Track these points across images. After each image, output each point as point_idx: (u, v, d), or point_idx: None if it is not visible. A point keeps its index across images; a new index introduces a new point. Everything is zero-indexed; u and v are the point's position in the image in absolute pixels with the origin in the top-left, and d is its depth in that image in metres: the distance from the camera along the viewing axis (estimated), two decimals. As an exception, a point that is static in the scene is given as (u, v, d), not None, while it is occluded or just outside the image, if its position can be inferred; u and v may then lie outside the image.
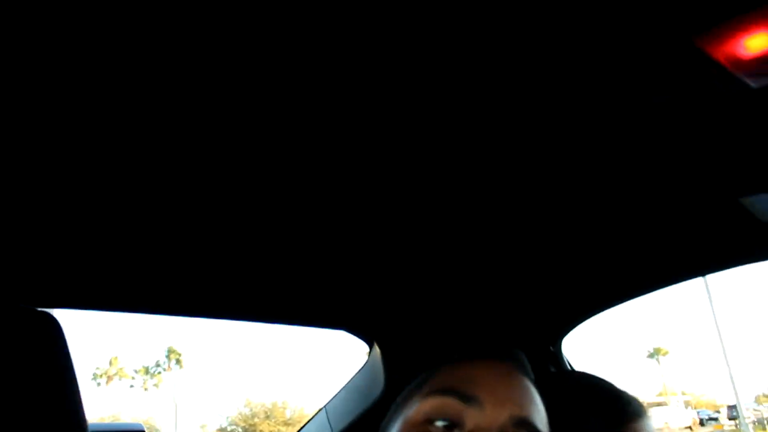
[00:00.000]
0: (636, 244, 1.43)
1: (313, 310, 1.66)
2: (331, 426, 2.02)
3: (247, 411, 43.64)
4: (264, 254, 1.32)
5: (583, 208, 1.27)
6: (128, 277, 1.36)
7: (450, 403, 0.73)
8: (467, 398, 0.72)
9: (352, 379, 2.00)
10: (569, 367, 2.00)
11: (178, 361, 48.55)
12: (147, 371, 49.01)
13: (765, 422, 26.80)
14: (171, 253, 1.29)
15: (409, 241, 1.32)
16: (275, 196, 1.15)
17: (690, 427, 36.72)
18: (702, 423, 36.92)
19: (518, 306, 1.75)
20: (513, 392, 0.75)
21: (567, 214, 1.28)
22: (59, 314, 0.99)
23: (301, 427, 2.19)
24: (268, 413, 43.23)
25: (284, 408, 44.37)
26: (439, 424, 0.72)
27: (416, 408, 0.76)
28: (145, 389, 49.77)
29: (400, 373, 1.82)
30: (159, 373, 49.14)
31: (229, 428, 43.43)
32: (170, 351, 48.76)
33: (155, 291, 1.44)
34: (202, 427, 58.42)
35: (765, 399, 67.57)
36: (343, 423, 1.97)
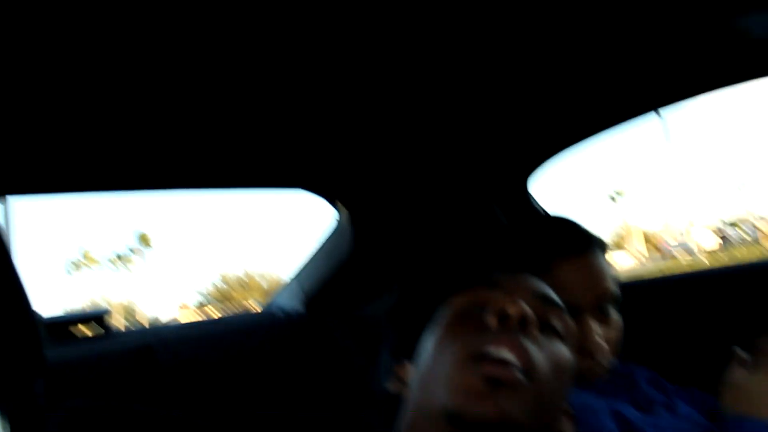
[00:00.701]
0: (602, 77, 1.38)
1: (269, 171, 1.60)
2: (302, 289, 2.03)
3: (223, 285, 44.78)
4: (217, 115, 1.23)
5: (548, 44, 1.20)
6: (83, 157, 1.28)
7: (477, 292, 0.76)
8: (492, 284, 0.77)
9: (320, 243, 1.98)
10: (539, 206, 2.00)
11: (148, 244, 48.86)
12: (120, 257, 49.42)
13: (713, 253, 28.70)
14: (124, 125, 1.20)
15: (368, 87, 1.23)
16: (226, 54, 1.05)
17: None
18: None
19: (487, 149, 1.71)
20: (532, 279, 0.81)
21: (533, 50, 1.21)
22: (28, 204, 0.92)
23: (276, 295, 2.20)
24: (245, 285, 44.37)
25: (260, 279, 45.59)
26: (467, 310, 0.75)
27: (448, 311, 0.77)
28: (120, 273, 50.50)
29: (367, 231, 1.80)
30: (131, 258, 49.57)
31: (206, 302, 44.67)
32: (141, 236, 48.99)
33: (113, 168, 1.37)
34: (181, 306, 60.13)
35: (717, 232, 71.51)
36: (315, 285, 1.98)
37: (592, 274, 1.02)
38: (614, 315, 1.04)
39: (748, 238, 31.39)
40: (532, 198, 2.01)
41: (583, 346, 0.95)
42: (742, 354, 1.01)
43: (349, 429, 1.64)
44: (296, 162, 1.55)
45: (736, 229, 43.73)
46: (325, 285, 1.95)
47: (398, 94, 1.25)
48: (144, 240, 48.87)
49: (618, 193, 63.43)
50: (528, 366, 0.64)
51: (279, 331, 1.83)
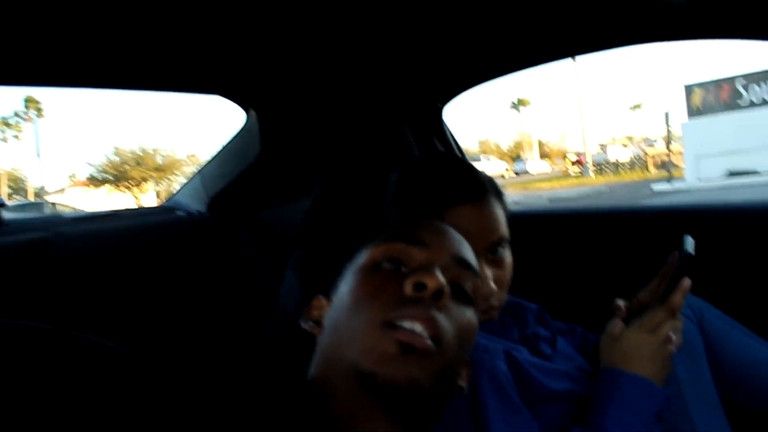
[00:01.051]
0: (519, 18, 1.40)
1: (187, 75, 1.53)
2: (205, 189, 2.01)
3: (116, 159, 42.79)
4: (138, 18, 1.15)
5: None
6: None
7: (397, 247, 0.78)
8: (413, 240, 0.79)
9: (226, 144, 1.94)
10: (450, 134, 2.05)
11: (38, 111, 45.56)
12: (5, 122, 45.90)
13: (602, 167, 30.14)
14: (49, 18, 1.11)
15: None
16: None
17: (502, 175, 41.04)
18: (517, 174, 41.07)
19: (403, 70, 1.71)
20: (453, 237, 0.83)
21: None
22: None
23: (176, 192, 2.16)
24: (139, 160, 42.63)
25: (155, 154, 43.89)
26: (386, 265, 0.77)
27: (367, 254, 0.81)
28: (5, 141, 47.06)
29: (276, 137, 1.79)
30: (18, 123, 46.17)
31: (99, 176, 42.71)
32: (28, 100, 45.45)
33: (33, 61, 1.27)
34: (71, 177, 57.20)
35: (605, 148, 75.12)
36: (218, 185, 1.96)
37: (485, 221, 1.04)
38: (506, 256, 1.08)
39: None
40: (444, 124, 2.05)
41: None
42: (622, 306, 1.10)
43: (246, 338, 1.70)
44: (212, 67, 1.49)
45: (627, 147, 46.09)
46: (229, 186, 1.93)
47: (316, 6, 1.21)
48: (32, 103, 45.39)
49: (521, 102, 64.70)
50: (437, 337, 0.68)
51: (180, 230, 1.82)
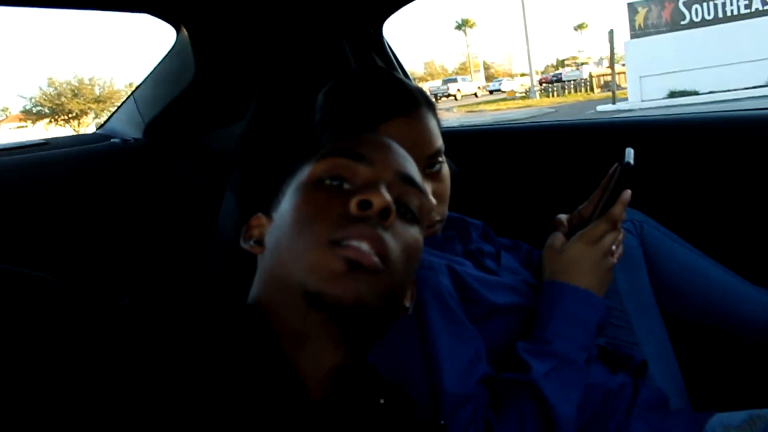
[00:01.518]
0: None
1: None
2: (141, 114, 1.92)
3: (51, 90, 40.96)
4: None
5: None
6: None
7: (340, 162, 0.75)
8: (357, 156, 0.76)
9: (158, 65, 1.85)
10: (390, 50, 2.00)
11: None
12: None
13: (549, 90, 30.28)
14: None
15: None
16: None
17: (475, 94, 41.12)
18: (491, 92, 41.02)
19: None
20: (398, 153, 0.81)
21: None
22: None
23: (108, 117, 2.07)
24: (76, 91, 40.90)
25: (92, 85, 42.18)
26: (328, 182, 0.74)
27: (309, 169, 0.77)
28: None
29: (210, 56, 1.71)
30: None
31: (34, 109, 40.90)
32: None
33: None
34: (4, 110, 54.60)
35: (552, 68, 75.59)
36: (154, 110, 1.88)
37: (420, 134, 1.02)
38: (444, 169, 1.07)
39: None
40: (384, 40, 2.00)
41: None
42: (564, 220, 1.11)
43: (191, 265, 1.66)
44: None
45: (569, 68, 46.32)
46: (165, 110, 1.85)
47: None
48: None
49: (466, 23, 63.97)
50: (384, 255, 0.67)
51: (117, 158, 1.74)
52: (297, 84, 1.32)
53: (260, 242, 0.79)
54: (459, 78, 46.05)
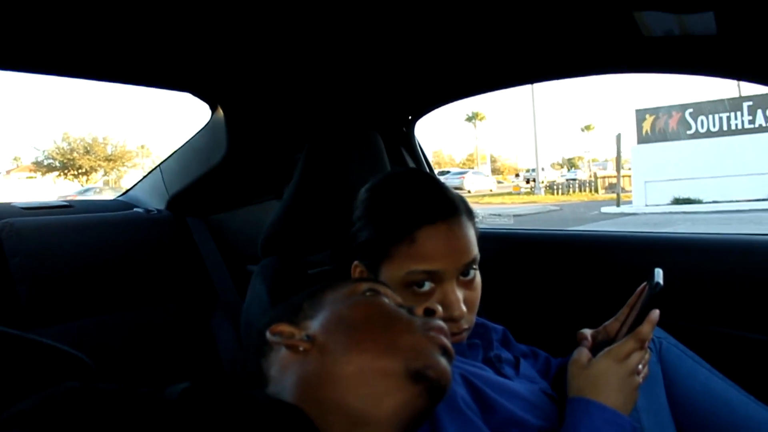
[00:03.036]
0: (484, 43, 1.42)
1: (155, 70, 1.49)
2: (166, 186, 1.96)
3: (65, 145, 41.66)
4: (107, 9, 1.12)
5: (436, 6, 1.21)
6: None
7: (377, 286, 0.83)
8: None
9: (190, 140, 1.90)
10: (419, 148, 2.05)
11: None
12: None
13: (554, 186, 30.72)
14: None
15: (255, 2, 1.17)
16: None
17: (490, 190, 41.04)
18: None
19: (374, 86, 1.71)
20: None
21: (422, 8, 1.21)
22: None
23: (133, 186, 2.10)
24: (88, 148, 41.61)
25: (105, 144, 42.93)
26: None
27: (353, 288, 0.83)
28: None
29: (243, 138, 1.75)
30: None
31: (45, 162, 41.50)
32: (-29, 75, 43.98)
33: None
34: (16, 159, 55.33)
35: (558, 166, 76.89)
36: (180, 184, 1.92)
37: (458, 241, 1.03)
38: (477, 277, 1.07)
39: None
40: (414, 138, 2.06)
41: (447, 313, 0.98)
42: (588, 335, 1.11)
43: (202, 345, 1.65)
44: (187, 65, 1.46)
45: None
46: (192, 185, 1.89)
47: (292, 6, 1.19)
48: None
49: (476, 116, 65.51)
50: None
51: (138, 228, 1.75)
52: (334, 173, 1.35)
53: (307, 351, 0.77)
54: (471, 171, 44.28)
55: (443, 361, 0.74)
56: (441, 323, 0.75)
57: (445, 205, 1.05)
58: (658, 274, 0.99)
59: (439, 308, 0.69)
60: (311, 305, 0.83)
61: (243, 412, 0.64)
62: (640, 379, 0.97)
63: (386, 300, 0.80)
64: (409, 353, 0.72)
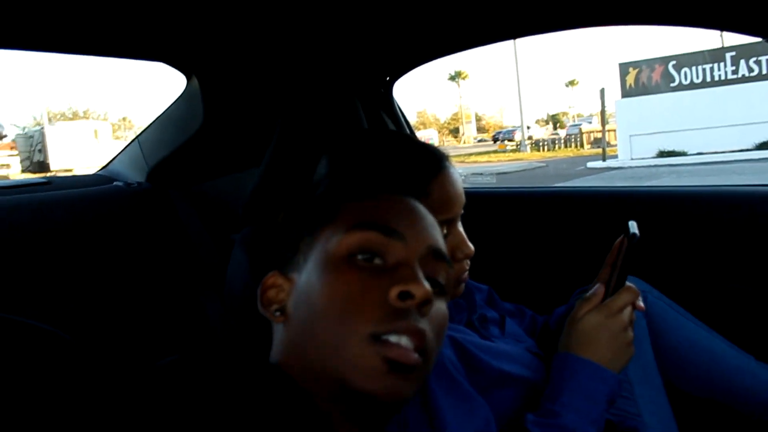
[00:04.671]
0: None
1: (127, 40, 1.44)
2: (145, 157, 1.93)
3: (46, 121, 41.18)
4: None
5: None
6: None
7: (373, 237, 0.73)
8: (390, 231, 0.74)
9: (166, 110, 1.86)
10: (399, 110, 2.03)
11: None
12: None
13: (540, 143, 30.65)
14: None
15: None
16: None
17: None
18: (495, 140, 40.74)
19: (350, 48, 1.67)
20: (427, 223, 0.79)
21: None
22: None
23: (111, 159, 2.07)
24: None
25: (86, 118, 42.52)
26: (361, 257, 0.73)
27: (337, 242, 0.74)
28: None
29: (219, 105, 1.72)
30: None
31: (28, 134, 41.13)
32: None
33: None
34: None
35: (543, 123, 76.83)
36: (159, 155, 1.89)
37: (458, 185, 1.05)
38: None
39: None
40: (393, 100, 2.03)
41: (455, 253, 1.00)
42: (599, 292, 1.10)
43: (190, 318, 1.64)
44: (161, 35, 1.42)
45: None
46: (170, 156, 1.86)
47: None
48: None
49: (459, 75, 65.05)
50: (423, 349, 0.67)
51: (119, 202, 1.73)
52: (310, 139, 1.33)
53: (282, 310, 0.76)
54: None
55: (388, 381, 0.64)
56: (413, 323, 0.67)
57: (439, 155, 1.06)
58: (633, 227, 0.99)
59: (418, 293, 0.65)
60: (306, 246, 0.78)
61: (228, 379, 0.64)
62: (632, 333, 0.97)
63: (365, 275, 0.70)
64: (350, 367, 0.65)
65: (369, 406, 0.65)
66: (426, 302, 0.68)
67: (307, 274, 0.74)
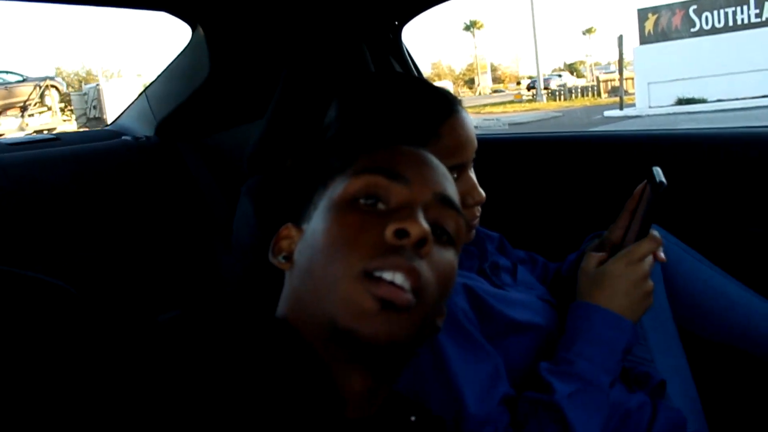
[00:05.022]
0: None
1: None
2: (153, 111, 1.91)
3: (59, 80, 41.25)
4: None
5: None
6: None
7: (377, 181, 0.71)
8: (394, 175, 0.72)
9: (172, 63, 1.84)
10: (408, 55, 1.98)
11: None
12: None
13: (556, 93, 30.14)
14: None
15: None
16: None
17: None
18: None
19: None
20: (435, 172, 0.77)
21: None
22: None
23: (120, 114, 2.05)
24: (83, 82, 41.20)
25: (101, 75, 42.52)
26: (363, 201, 0.70)
27: (343, 186, 0.72)
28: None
29: (225, 55, 1.69)
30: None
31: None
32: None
33: None
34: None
35: (560, 71, 75.53)
36: (167, 108, 1.87)
37: (470, 129, 1.01)
38: None
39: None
40: (402, 44, 1.98)
41: (466, 199, 0.98)
42: (596, 243, 1.08)
43: (202, 270, 1.65)
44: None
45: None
46: (178, 108, 1.84)
47: None
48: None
49: (474, 24, 63.83)
50: (419, 288, 0.64)
51: (128, 156, 1.72)
52: (317, 86, 1.29)
53: (289, 258, 0.75)
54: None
55: (378, 319, 0.62)
56: (406, 260, 0.64)
57: (450, 95, 1.03)
58: (659, 173, 0.95)
59: (414, 230, 0.63)
60: (318, 198, 0.76)
61: (227, 333, 0.63)
62: (651, 283, 0.94)
63: (364, 216, 0.69)
64: (340, 305, 0.63)
65: (361, 348, 0.63)
66: (423, 241, 0.65)
67: (313, 222, 0.73)
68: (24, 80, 17.18)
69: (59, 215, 1.50)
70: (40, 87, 16.80)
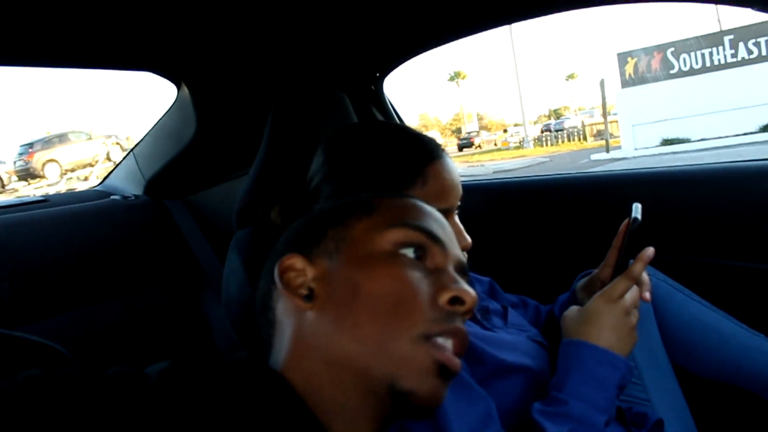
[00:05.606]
0: None
1: (117, 51, 1.43)
2: (141, 170, 1.92)
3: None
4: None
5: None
6: None
7: (419, 237, 0.73)
8: (434, 237, 0.74)
9: (159, 122, 1.86)
10: (390, 105, 2.01)
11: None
12: None
13: (542, 139, 30.53)
14: None
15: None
16: None
17: (480, 145, 40.39)
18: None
19: (338, 45, 1.66)
20: (453, 235, 0.80)
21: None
22: None
23: (108, 174, 2.06)
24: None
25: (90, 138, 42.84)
26: (409, 251, 0.72)
27: (380, 235, 0.73)
28: None
29: (211, 112, 1.71)
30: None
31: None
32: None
33: None
34: (-2, 162, 54.92)
35: (545, 118, 76.73)
36: (155, 167, 1.88)
37: (454, 174, 1.03)
38: None
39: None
40: (383, 94, 2.01)
41: (461, 245, 0.95)
42: (586, 280, 1.09)
43: (194, 325, 1.63)
44: (149, 45, 1.41)
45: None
46: (166, 167, 1.85)
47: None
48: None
49: (458, 75, 64.94)
50: (462, 354, 0.68)
51: (117, 216, 1.73)
52: (300, 138, 1.31)
53: (310, 296, 0.70)
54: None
55: (436, 383, 0.64)
56: (460, 326, 0.66)
57: (434, 142, 1.05)
58: (636, 209, 0.97)
59: (468, 299, 0.65)
60: (336, 236, 0.74)
61: (219, 386, 0.62)
62: (634, 319, 0.95)
63: (417, 274, 0.68)
64: (398, 365, 0.63)
65: (409, 407, 0.64)
66: (471, 311, 0.69)
67: (343, 263, 0.71)
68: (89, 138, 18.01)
69: (49, 276, 1.49)
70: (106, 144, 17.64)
